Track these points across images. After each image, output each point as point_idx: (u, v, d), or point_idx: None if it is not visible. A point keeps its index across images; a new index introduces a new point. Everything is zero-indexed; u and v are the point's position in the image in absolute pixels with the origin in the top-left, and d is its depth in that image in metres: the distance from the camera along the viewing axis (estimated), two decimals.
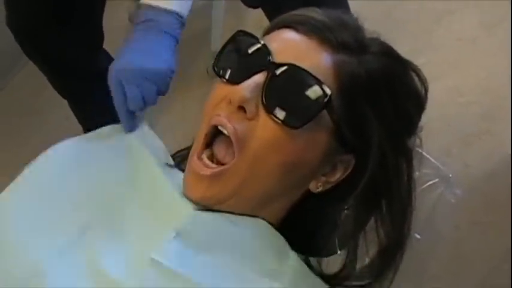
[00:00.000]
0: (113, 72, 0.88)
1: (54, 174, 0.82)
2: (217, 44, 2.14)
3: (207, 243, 0.73)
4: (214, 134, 0.75)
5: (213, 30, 2.13)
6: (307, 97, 0.71)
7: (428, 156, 0.84)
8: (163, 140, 0.89)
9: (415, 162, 0.80)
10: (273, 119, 0.71)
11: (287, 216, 0.82)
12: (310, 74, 0.71)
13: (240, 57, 0.76)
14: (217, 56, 0.79)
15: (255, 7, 1.42)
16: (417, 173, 0.80)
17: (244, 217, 0.76)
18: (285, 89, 0.72)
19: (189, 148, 0.92)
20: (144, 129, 0.90)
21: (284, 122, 0.71)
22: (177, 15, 0.95)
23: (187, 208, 0.75)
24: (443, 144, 1.46)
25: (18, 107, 2.29)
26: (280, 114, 0.71)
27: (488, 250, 1.51)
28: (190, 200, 0.76)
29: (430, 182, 0.83)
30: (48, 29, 1.48)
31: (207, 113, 0.76)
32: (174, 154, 0.94)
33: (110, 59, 1.56)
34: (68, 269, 0.70)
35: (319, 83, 0.71)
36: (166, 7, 0.94)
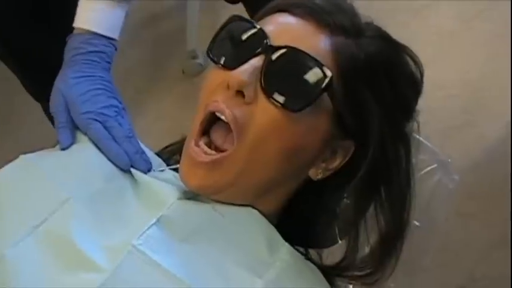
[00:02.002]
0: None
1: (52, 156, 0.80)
2: (192, 43, 2.12)
3: (188, 232, 0.71)
4: (211, 120, 0.73)
5: (188, 29, 2.11)
6: (308, 80, 0.69)
7: (425, 141, 0.83)
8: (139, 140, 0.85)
9: (412, 148, 0.79)
10: (272, 103, 0.70)
11: (286, 206, 0.80)
12: (310, 56, 0.69)
13: (235, 42, 0.74)
14: (211, 41, 0.76)
15: (234, 2, 1.41)
16: (414, 159, 0.79)
17: (234, 206, 0.74)
18: (284, 72, 0.70)
19: (176, 143, 0.91)
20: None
21: (284, 106, 0.69)
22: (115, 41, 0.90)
23: (173, 196, 0.73)
24: (424, 138, 1.46)
25: None
26: (280, 97, 0.69)
27: (473, 241, 1.54)
28: (188, 189, 0.74)
29: (428, 168, 0.82)
30: (23, 27, 1.45)
31: (203, 99, 0.74)
32: (161, 150, 0.92)
33: None
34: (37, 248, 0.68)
35: (320, 65, 0.69)
36: (111, 35, 0.89)
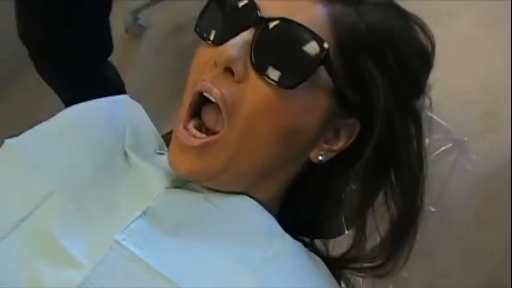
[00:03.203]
0: None
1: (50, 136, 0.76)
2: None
3: (177, 225, 0.66)
4: (201, 101, 0.68)
5: None
6: (302, 53, 0.64)
7: (439, 119, 0.77)
8: None
9: (424, 127, 0.73)
10: (264, 80, 0.64)
11: (289, 193, 0.75)
12: (304, 27, 0.63)
13: (224, 16, 0.69)
14: (199, 17, 0.71)
15: None
16: (427, 139, 0.74)
17: (227, 195, 0.69)
18: (277, 46, 0.65)
19: None
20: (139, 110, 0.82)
21: (277, 83, 0.64)
22: None
23: (161, 185, 0.69)
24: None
25: (17, 117, 2.25)
26: (272, 73, 0.64)
27: (492, 245, 1.50)
28: (178, 176, 0.69)
29: (443, 148, 0.77)
30: (58, 39, 1.56)
31: (192, 79, 0.69)
32: (166, 135, 0.86)
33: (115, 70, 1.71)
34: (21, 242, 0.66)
35: (315, 36, 0.63)
36: None
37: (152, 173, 0.71)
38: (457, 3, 2.06)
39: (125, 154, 0.74)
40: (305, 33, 0.64)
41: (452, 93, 1.71)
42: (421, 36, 0.72)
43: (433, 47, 0.73)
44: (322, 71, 0.65)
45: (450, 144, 0.75)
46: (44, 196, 0.68)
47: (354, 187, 0.76)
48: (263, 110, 0.65)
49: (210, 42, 0.68)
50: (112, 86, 1.74)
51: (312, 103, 0.66)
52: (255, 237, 0.66)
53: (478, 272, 1.42)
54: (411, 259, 0.74)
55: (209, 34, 0.69)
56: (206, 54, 0.68)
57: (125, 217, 0.66)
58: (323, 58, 0.64)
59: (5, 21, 1.63)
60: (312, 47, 0.63)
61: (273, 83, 0.64)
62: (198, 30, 0.70)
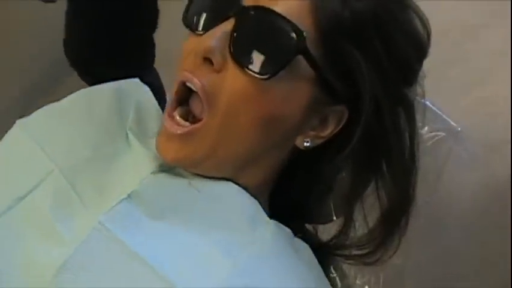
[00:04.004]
0: None
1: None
2: None
3: (160, 209, 0.67)
4: (186, 90, 0.68)
5: None
6: (279, 43, 0.63)
7: (433, 107, 0.76)
8: None
9: (418, 116, 0.72)
10: (242, 70, 0.64)
11: (277, 178, 0.75)
12: (282, 17, 0.63)
13: (208, 6, 0.69)
14: (186, 7, 0.71)
15: None
16: (425, 129, 0.73)
17: (212, 181, 0.69)
18: (255, 36, 0.65)
19: None
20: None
21: (254, 72, 0.64)
22: None
23: (148, 170, 0.70)
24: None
25: None
26: (250, 63, 0.64)
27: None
28: (165, 163, 0.70)
29: (437, 137, 0.75)
30: (102, 59, 1.53)
31: (178, 69, 0.70)
32: None
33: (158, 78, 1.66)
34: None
35: (292, 25, 0.63)
36: None
37: (142, 157, 0.72)
38: (490, 16, 2.10)
39: (127, 136, 0.75)
40: (282, 22, 0.63)
41: (480, 104, 1.77)
42: (418, 23, 0.71)
43: (429, 34, 0.71)
44: (302, 60, 0.64)
45: (444, 134, 0.74)
46: (44, 175, 0.70)
47: (344, 175, 0.76)
48: (242, 99, 0.65)
49: (194, 32, 0.69)
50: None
51: (292, 92, 0.66)
52: (237, 222, 0.66)
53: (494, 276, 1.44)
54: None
55: (194, 24, 0.69)
56: (190, 44, 0.68)
57: (112, 199, 0.67)
58: (300, 48, 0.63)
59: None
60: (289, 37, 0.63)
61: (251, 72, 0.64)
62: (184, 20, 0.70)
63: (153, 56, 1.66)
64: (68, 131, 0.75)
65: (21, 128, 0.76)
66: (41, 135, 0.74)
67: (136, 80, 0.82)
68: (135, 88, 0.81)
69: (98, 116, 0.76)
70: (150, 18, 1.57)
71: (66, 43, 1.54)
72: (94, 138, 0.74)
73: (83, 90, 0.80)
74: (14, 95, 1.98)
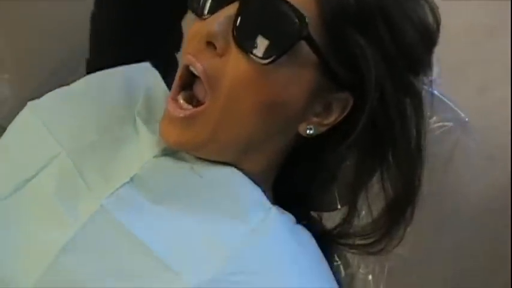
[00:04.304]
0: None
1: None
2: None
3: (162, 193, 0.67)
4: (189, 74, 0.69)
5: None
6: (281, 28, 0.63)
7: (441, 97, 0.75)
8: None
9: (426, 105, 0.71)
10: (244, 54, 0.64)
11: (282, 165, 0.75)
12: (284, 1, 0.63)
13: None
14: None
15: None
16: (433, 118, 0.72)
17: (214, 166, 0.69)
18: (257, 20, 0.64)
19: None
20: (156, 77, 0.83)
21: (256, 56, 0.64)
22: None
23: (151, 154, 0.70)
24: (487, 149, 1.44)
25: None
26: (253, 48, 0.64)
27: None
28: (169, 146, 0.70)
29: (445, 127, 0.75)
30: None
31: (182, 53, 0.70)
32: None
33: None
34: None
35: (295, 10, 0.62)
36: None
37: (147, 141, 0.72)
38: (508, 17, 2.08)
39: (135, 121, 0.75)
40: (285, 7, 0.63)
41: (498, 104, 1.76)
42: (427, 12, 0.70)
43: (438, 23, 0.71)
44: (304, 46, 0.64)
45: (451, 123, 0.73)
46: (50, 157, 0.70)
47: (349, 163, 0.75)
48: (243, 83, 0.65)
49: (200, 17, 0.68)
50: None
51: (294, 77, 0.66)
52: (238, 208, 0.66)
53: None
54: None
55: (199, 8, 0.69)
56: (194, 28, 0.68)
57: (115, 183, 0.67)
58: (303, 33, 0.63)
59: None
60: (291, 22, 0.63)
61: (253, 57, 0.64)
62: (190, 5, 0.70)
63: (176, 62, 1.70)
64: (77, 114, 0.75)
65: (31, 111, 0.76)
66: (49, 118, 0.75)
67: (146, 64, 0.82)
68: (144, 73, 0.81)
69: (106, 101, 0.76)
70: (175, 39, 1.58)
71: (90, 64, 1.56)
72: (102, 122, 0.74)
73: (93, 75, 0.81)
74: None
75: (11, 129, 0.76)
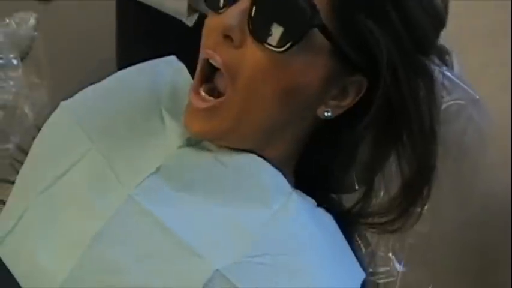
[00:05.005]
0: None
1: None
2: None
3: (187, 183, 0.70)
4: (210, 67, 0.71)
5: None
6: (293, 17, 0.65)
7: (452, 76, 0.76)
8: None
9: (439, 84, 0.73)
10: (260, 45, 0.67)
11: (302, 150, 0.77)
12: None
13: None
14: None
15: None
16: (445, 98, 0.73)
17: (237, 154, 0.72)
18: (270, 11, 0.67)
19: None
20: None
21: (271, 46, 0.66)
22: None
23: (175, 145, 0.73)
24: (504, 146, 1.46)
25: None
26: (267, 38, 0.66)
27: None
28: (193, 137, 0.73)
29: (457, 106, 0.76)
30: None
31: (201, 47, 0.73)
32: None
33: None
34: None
35: (305, 0, 0.65)
36: None
37: (172, 132, 0.75)
38: None
39: (162, 114, 0.78)
40: None
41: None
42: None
43: (446, 4, 0.72)
44: (317, 33, 0.66)
45: (463, 102, 0.74)
46: (82, 153, 0.74)
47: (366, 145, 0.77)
48: (261, 72, 0.67)
49: (216, 12, 0.71)
50: None
51: (309, 64, 0.68)
52: (260, 193, 0.69)
53: None
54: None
55: (215, 4, 0.71)
56: (211, 23, 0.71)
57: (143, 174, 0.71)
58: (315, 21, 0.65)
59: None
60: (302, 11, 0.65)
61: (269, 46, 0.66)
62: (206, 2, 0.72)
63: None
64: (106, 111, 0.78)
65: (63, 110, 0.80)
66: (81, 116, 0.78)
67: (173, 57, 0.85)
68: (171, 66, 0.84)
69: (134, 96, 0.79)
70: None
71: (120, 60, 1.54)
72: (130, 117, 0.77)
73: (122, 72, 0.84)
74: None
75: (46, 128, 0.80)
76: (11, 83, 1.32)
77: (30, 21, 1.35)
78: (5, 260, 0.72)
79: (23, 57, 1.35)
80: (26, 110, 1.34)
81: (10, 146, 1.32)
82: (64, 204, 0.71)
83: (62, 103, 0.80)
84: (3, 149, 1.32)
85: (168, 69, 0.83)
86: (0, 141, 1.31)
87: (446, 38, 0.77)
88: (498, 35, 1.98)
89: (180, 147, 0.73)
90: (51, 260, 0.68)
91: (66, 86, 0.84)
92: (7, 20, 1.33)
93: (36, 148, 0.80)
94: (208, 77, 0.72)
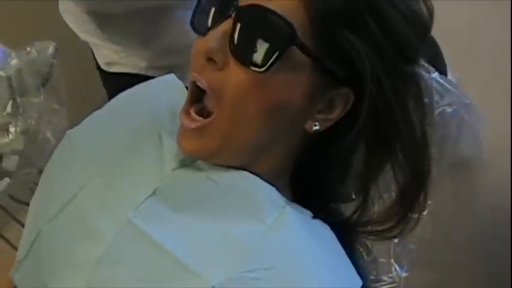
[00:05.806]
0: None
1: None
2: None
3: (182, 203, 0.72)
4: (199, 89, 0.73)
5: None
6: (271, 36, 0.67)
7: (442, 81, 0.77)
8: None
9: (432, 91, 0.73)
10: (242, 65, 0.68)
11: (294, 163, 0.78)
12: (270, 11, 0.66)
13: (211, 10, 0.72)
14: (193, 13, 0.74)
15: None
16: (436, 103, 0.73)
17: (228, 172, 0.73)
18: (250, 32, 0.68)
19: None
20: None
21: (253, 66, 0.67)
22: None
23: (170, 167, 0.75)
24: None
25: None
26: (248, 58, 0.67)
27: None
28: (185, 157, 0.75)
29: (449, 110, 0.76)
30: None
31: (190, 69, 0.74)
32: None
33: None
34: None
35: (281, 18, 0.66)
36: None
37: (168, 152, 0.76)
38: None
39: (160, 135, 0.79)
40: (273, 17, 0.66)
41: None
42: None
43: (431, 11, 0.72)
44: (296, 51, 0.67)
45: (455, 106, 0.74)
46: (86, 178, 0.76)
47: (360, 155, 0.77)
48: (244, 92, 0.69)
49: (200, 34, 0.72)
50: None
51: (291, 81, 0.69)
52: (253, 209, 0.70)
53: None
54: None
55: (200, 27, 0.73)
56: (196, 46, 0.72)
57: (140, 197, 0.73)
58: (292, 39, 0.66)
59: None
60: (279, 30, 0.66)
61: (250, 67, 0.67)
62: (192, 25, 0.74)
63: None
64: (107, 135, 0.81)
65: (68, 138, 0.83)
66: (85, 142, 0.80)
67: (172, 76, 0.88)
68: (170, 85, 0.86)
69: (134, 118, 0.81)
70: None
71: None
72: (129, 140, 0.79)
73: (123, 94, 0.87)
74: None
75: (54, 157, 0.83)
76: (33, 108, 1.35)
77: (50, 49, 1.40)
78: (19, 287, 0.76)
79: (43, 84, 1.39)
80: (48, 134, 1.38)
81: (34, 170, 1.35)
82: (70, 232, 0.73)
83: (68, 131, 0.82)
84: (27, 173, 1.35)
85: (168, 88, 0.85)
86: (25, 165, 1.33)
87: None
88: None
89: (174, 169, 0.74)
90: (61, 285, 0.71)
91: (84, 111, 0.86)
92: (28, 49, 1.37)
93: (45, 176, 0.82)
94: (198, 98, 0.74)
